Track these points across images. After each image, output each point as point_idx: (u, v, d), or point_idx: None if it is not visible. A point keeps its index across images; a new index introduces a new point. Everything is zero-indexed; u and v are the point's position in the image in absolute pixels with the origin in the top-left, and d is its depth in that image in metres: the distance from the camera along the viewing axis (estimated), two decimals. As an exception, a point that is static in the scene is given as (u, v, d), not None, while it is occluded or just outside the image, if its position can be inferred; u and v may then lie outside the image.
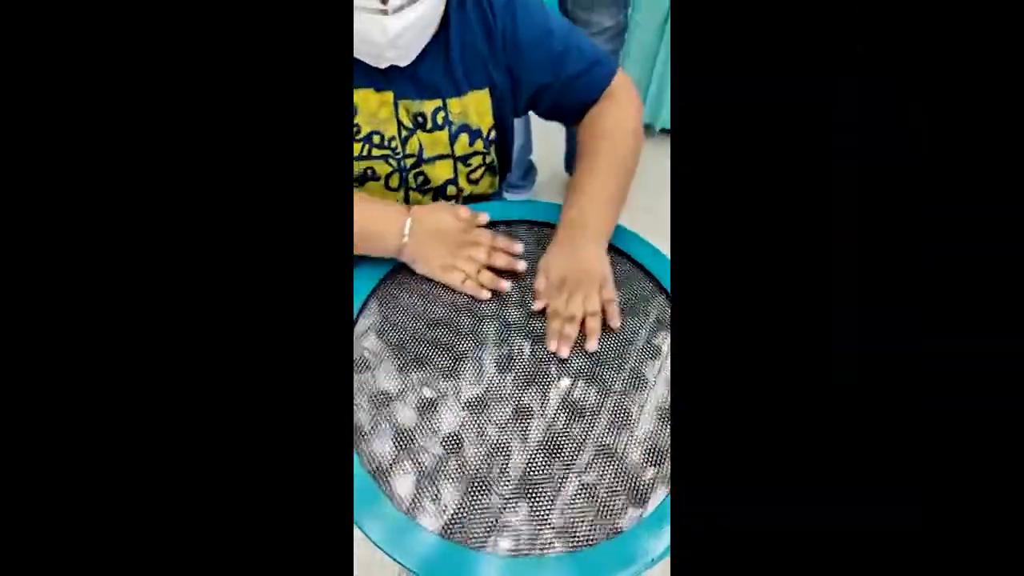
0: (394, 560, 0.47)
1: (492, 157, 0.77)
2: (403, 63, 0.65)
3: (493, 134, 0.74)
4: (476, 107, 0.71)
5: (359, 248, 0.64)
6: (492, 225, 0.71)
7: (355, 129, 0.69)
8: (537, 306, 0.64)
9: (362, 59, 0.64)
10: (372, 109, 0.69)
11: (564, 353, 0.59)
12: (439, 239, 0.65)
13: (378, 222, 0.65)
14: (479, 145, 0.74)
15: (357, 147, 0.70)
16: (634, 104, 0.74)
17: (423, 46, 0.65)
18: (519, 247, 0.67)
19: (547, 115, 0.77)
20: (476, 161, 0.75)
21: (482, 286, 0.65)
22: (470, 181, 0.76)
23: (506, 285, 0.65)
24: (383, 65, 0.65)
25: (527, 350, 0.60)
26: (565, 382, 0.58)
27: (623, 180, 0.70)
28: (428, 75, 0.68)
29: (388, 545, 0.47)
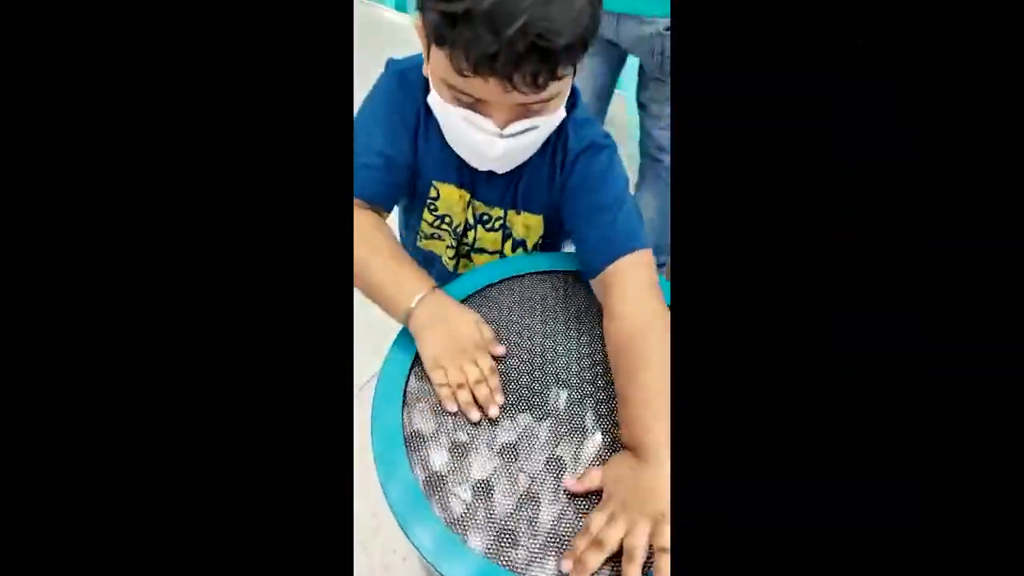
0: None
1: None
2: (501, 171, 0.70)
3: (540, 243, 0.80)
4: (530, 225, 0.77)
5: (363, 292, 0.66)
6: (531, 276, 0.73)
7: (434, 207, 0.77)
8: (569, 485, 0.54)
9: (464, 158, 0.69)
10: (453, 201, 0.76)
11: None
12: (448, 334, 0.63)
13: (394, 285, 0.65)
14: (519, 252, 0.80)
15: (431, 217, 0.78)
16: (640, 289, 0.65)
17: (520, 163, 0.69)
18: (494, 411, 0.59)
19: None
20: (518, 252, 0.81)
21: (451, 400, 0.59)
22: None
23: (475, 416, 0.58)
24: (483, 168, 0.69)
25: (563, 399, 0.60)
26: (599, 436, 0.57)
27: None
28: (501, 188, 0.73)
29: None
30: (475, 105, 0.58)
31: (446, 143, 0.68)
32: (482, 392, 0.59)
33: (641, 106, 1.40)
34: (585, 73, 1.39)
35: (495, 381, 0.61)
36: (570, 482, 0.54)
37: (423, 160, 0.71)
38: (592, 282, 0.69)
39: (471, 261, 0.83)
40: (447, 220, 0.78)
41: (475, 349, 0.62)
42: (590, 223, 0.68)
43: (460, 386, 0.60)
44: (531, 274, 0.73)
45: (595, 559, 0.48)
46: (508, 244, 0.80)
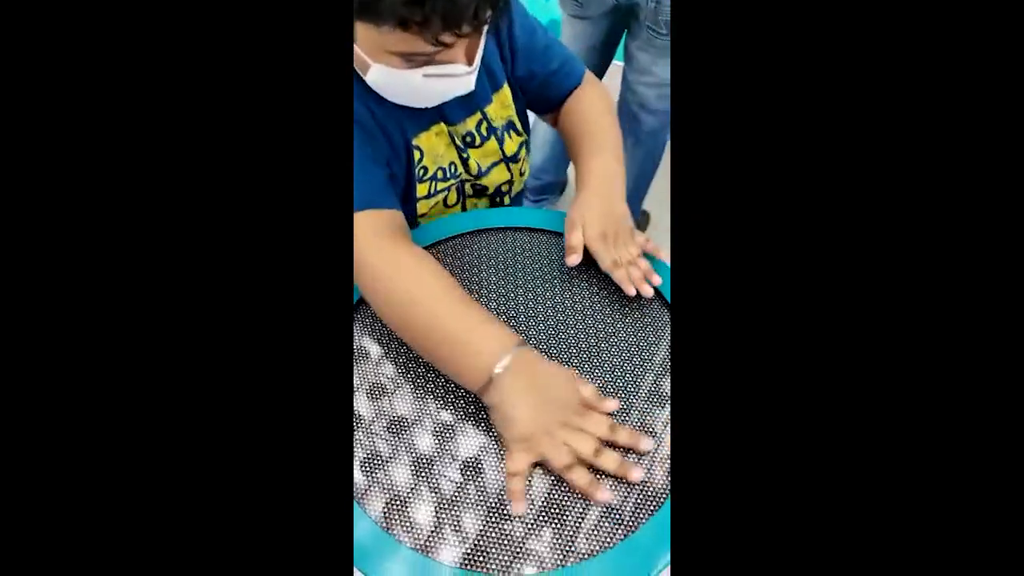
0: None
1: (526, 136, 0.82)
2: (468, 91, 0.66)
3: (517, 123, 0.81)
4: (504, 102, 0.76)
5: (432, 355, 0.56)
6: (510, 231, 0.72)
7: (422, 172, 0.71)
8: (572, 260, 0.64)
9: (423, 105, 0.66)
10: (438, 150, 0.71)
11: (648, 292, 0.62)
12: (544, 401, 0.51)
13: (468, 356, 0.53)
14: (516, 137, 0.79)
15: (424, 188, 0.72)
16: (607, 93, 0.81)
17: None
18: (649, 444, 0.52)
19: (529, 105, 0.83)
20: (522, 154, 0.81)
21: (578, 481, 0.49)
22: (521, 174, 0.83)
23: (606, 497, 0.48)
24: (442, 101, 0.66)
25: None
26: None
27: (621, 155, 0.75)
28: (467, 94, 0.68)
29: None
30: (433, 58, 0.56)
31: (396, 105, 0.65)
32: (607, 463, 0.50)
33: (628, 56, 1.31)
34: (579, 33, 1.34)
35: (624, 434, 0.51)
36: (572, 259, 0.64)
37: (386, 124, 0.66)
38: (550, 115, 0.82)
39: (479, 200, 0.81)
40: (440, 174, 0.73)
41: (578, 413, 0.52)
42: (550, 60, 0.77)
43: (573, 464, 0.49)
44: (496, 229, 0.72)
45: (638, 271, 0.63)
46: (506, 140, 0.77)
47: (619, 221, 0.66)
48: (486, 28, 0.57)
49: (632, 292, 0.62)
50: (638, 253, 0.65)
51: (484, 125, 0.75)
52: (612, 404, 0.54)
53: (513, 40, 0.74)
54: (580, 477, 0.49)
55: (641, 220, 1.78)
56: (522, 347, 0.53)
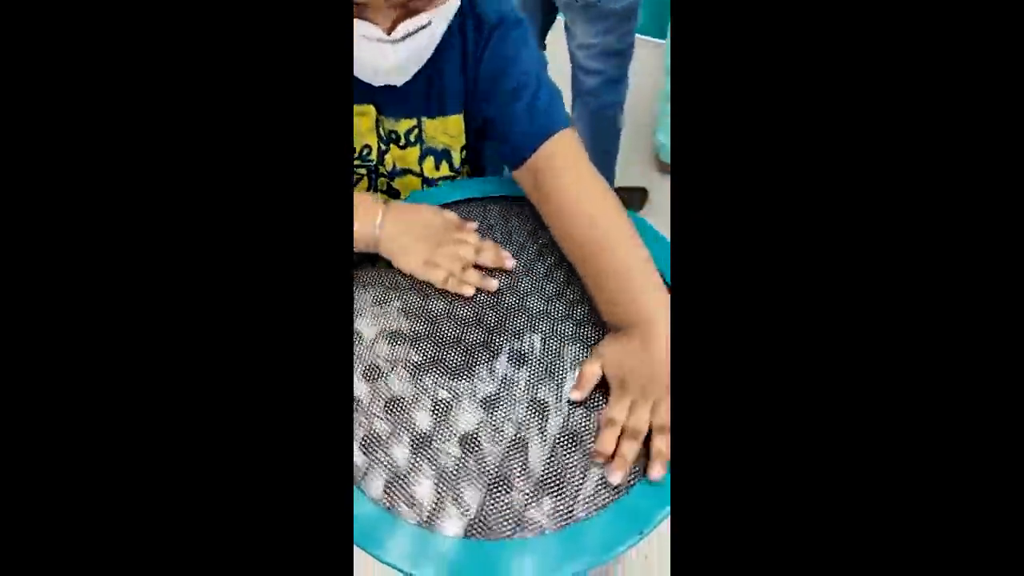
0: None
1: (458, 177, 0.77)
2: (399, 83, 0.65)
3: (464, 154, 0.75)
4: (449, 130, 0.72)
5: None
6: (464, 203, 0.71)
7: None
8: (576, 395, 0.53)
9: (357, 75, 0.64)
10: (359, 127, 0.70)
11: (617, 480, 0.48)
12: (419, 234, 0.63)
13: (354, 217, 0.62)
14: (445, 169, 0.74)
15: None
16: (578, 168, 0.63)
17: (418, 69, 0.65)
18: (511, 263, 0.64)
19: (499, 154, 0.72)
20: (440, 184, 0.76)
21: (466, 284, 0.62)
22: None
23: (494, 284, 0.62)
24: (378, 83, 0.65)
25: (537, 344, 0.60)
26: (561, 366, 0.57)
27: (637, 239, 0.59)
28: (409, 95, 0.68)
29: (407, 562, 0.46)
30: (356, 12, 0.55)
31: None
32: (488, 257, 0.63)
33: (567, 29, 1.40)
34: None
35: (489, 243, 0.64)
36: (575, 394, 0.54)
37: None
38: (517, 172, 0.65)
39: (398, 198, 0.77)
40: (360, 154, 0.72)
41: (451, 231, 0.64)
42: (512, 105, 0.63)
43: (464, 268, 0.62)
44: (479, 199, 0.71)
45: (632, 450, 0.49)
46: (428, 161, 0.73)
47: (652, 374, 0.51)
48: (432, 22, 0.56)
49: (610, 476, 0.48)
50: (663, 423, 0.50)
51: (415, 133, 0.71)
52: (471, 225, 0.66)
53: (478, 74, 0.67)
54: (470, 275, 0.62)
55: (639, 197, 1.78)
56: (388, 204, 0.63)
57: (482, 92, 0.67)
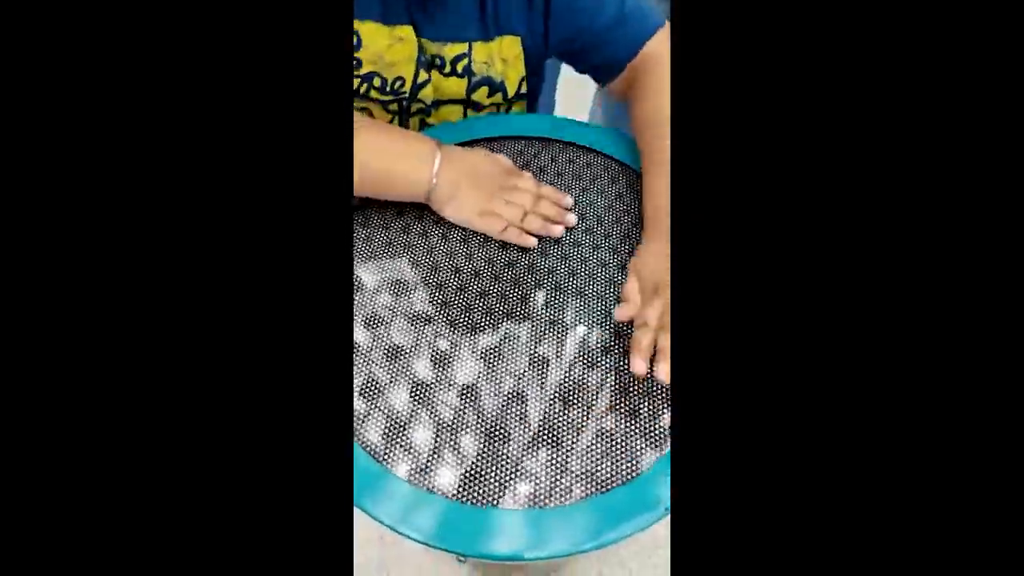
0: (407, 537, 0.46)
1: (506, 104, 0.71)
2: None
3: (523, 88, 0.68)
4: (505, 55, 0.64)
5: (377, 191, 0.58)
6: (474, 143, 0.66)
7: (355, 62, 0.61)
8: (624, 315, 0.53)
9: None
10: (379, 48, 0.61)
11: (662, 375, 0.48)
12: (475, 182, 0.58)
13: (404, 159, 0.57)
14: (498, 98, 0.68)
15: (355, 82, 0.63)
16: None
17: None
18: (569, 200, 0.61)
19: (581, 70, 0.68)
20: (491, 111, 0.69)
21: (528, 233, 0.58)
22: None
23: (559, 231, 0.58)
24: None
25: (541, 299, 0.59)
26: (581, 329, 0.57)
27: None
28: (456, 13, 0.60)
29: (399, 523, 0.47)
30: None
31: None
32: (549, 209, 0.59)
33: None
34: None
35: (548, 189, 0.60)
36: (619, 313, 0.53)
37: None
38: (615, 86, 0.66)
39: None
40: (376, 81, 0.63)
41: (508, 178, 0.60)
42: (599, 16, 0.61)
43: (523, 218, 0.58)
44: (506, 138, 0.66)
45: (668, 343, 0.49)
46: (479, 95, 0.66)
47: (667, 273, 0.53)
48: None
49: (640, 369, 0.49)
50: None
51: (463, 62, 0.64)
52: (527, 174, 0.62)
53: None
54: (532, 222, 0.58)
55: None
56: (441, 150, 0.58)
57: (558, 9, 0.62)
